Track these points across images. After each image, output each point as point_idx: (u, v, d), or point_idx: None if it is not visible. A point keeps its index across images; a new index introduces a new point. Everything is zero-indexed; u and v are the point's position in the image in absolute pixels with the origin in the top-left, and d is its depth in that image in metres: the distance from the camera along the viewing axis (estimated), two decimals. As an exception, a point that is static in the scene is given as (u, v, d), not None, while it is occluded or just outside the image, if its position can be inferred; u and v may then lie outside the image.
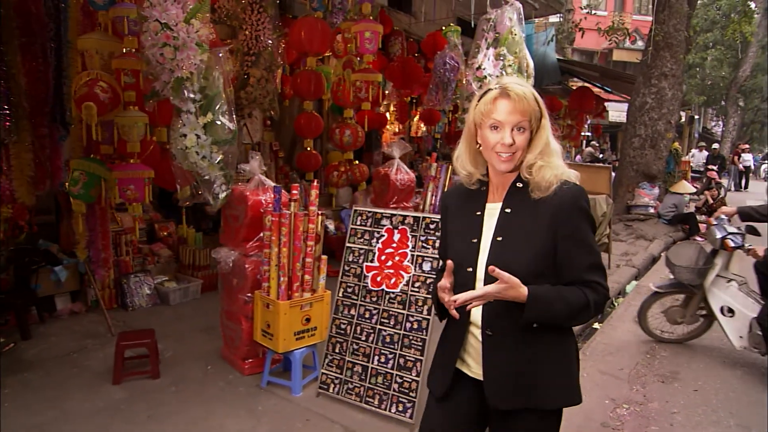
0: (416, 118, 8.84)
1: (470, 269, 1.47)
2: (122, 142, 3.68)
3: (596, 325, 4.80)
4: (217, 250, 3.39)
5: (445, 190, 1.67)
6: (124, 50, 3.52)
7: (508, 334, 1.45)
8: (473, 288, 1.45)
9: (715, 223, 3.91)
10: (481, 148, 1.49)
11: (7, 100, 4.02)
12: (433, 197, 4.98)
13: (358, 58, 5.14)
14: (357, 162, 6.05)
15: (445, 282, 1.44)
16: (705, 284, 3.89)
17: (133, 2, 3.47)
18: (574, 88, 11.65)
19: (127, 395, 3.10)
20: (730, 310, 3.80)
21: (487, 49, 3.52)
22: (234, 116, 3.28)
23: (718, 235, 3.79)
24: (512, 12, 3.50)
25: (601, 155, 18.62)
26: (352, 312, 3.10)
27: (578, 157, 16.78)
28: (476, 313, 1.48)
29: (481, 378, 1.50)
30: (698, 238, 7.91)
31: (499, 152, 1.42)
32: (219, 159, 3.27)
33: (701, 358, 3.85)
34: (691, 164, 15.47)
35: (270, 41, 5.64)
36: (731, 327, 3.77)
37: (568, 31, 14.38)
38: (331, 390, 3.08)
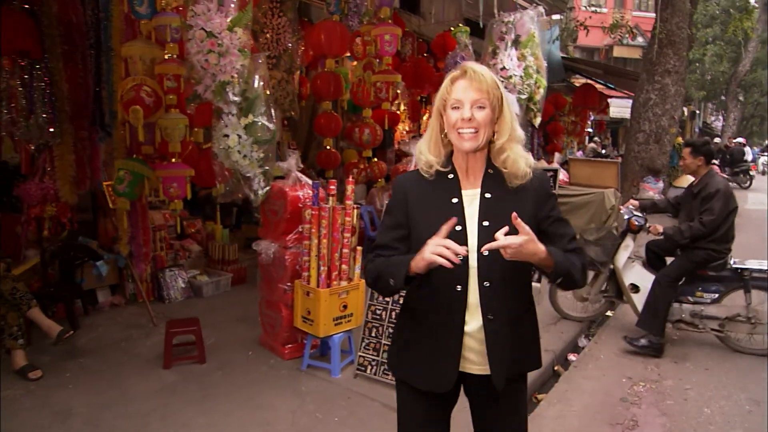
0: (426, 117, 9.05)
1: (460, 258, 1.42)
2: (164, 143, 3.90)
3: (609, 313, 5.02)
4: (257, 243, 3.62)
5: (398, 176, 1.68)
6: (166, 56, 3.73)
7: (507, 317, 1.49)
8: (464, 277, 1.45)
9: (623, 209, 4.45)
10: (447, 134, 1.50)
11: (52, 106, 4.25)
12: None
13: (377, 60, 5.36)
14: (376, 159, 6.28)
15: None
16: (616, 263, 4.32)
17: (175, 12, 3.69)
18: (578, 85, 11.87)
19: (178, 378, 3.34)
20: (635, 287, 4.22)
21: (506, 50, 3.74)
22: (273, 117, 3.50)
23: (626, 217, 4.30)
24: (535, 16, 3.72)
25: (603, 150, 18.83)
26: (387, 299, 3.33)
27: (580, 152, 17.00)
28: (473, 303, 1.47)
29: (478, 372, 1.51)
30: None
31: (461, 130, 1.44)
32: (259, 157, 3.50)
33: (711, 342, 4.07)
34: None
35: (290, 44, 5.88)
36: (638, 302, 4.14)
37: (572, 29, 14.59)
38: (368, 371, 3.31)
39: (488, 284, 1.45)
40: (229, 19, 3.24)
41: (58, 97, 4.28)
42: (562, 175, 7.53)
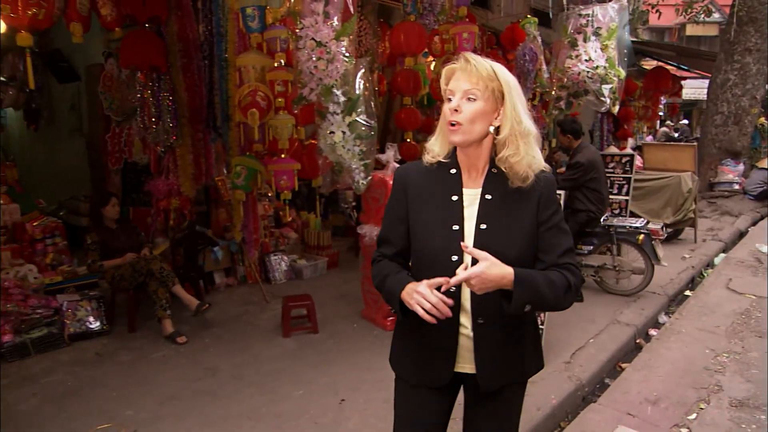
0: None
1: (455, 258, 1.41)
2: (273, 141, 4.42)
3: (687, 292, 5.15)
4: (361, 227, 4.07)
5: (399, 167, 1.62)
6: (276, 64, 4.24)
7: (499, 322, 1.44)
8: None
9: None
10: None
11: (174, 112, 4.89)
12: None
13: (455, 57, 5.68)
14: (452, 150, 6.61)
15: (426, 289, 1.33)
16: None
17: (283, 25, 4.19)
18: (649, 68, 11.62)
19: (297, 345, 3.85)
20: None
21: (588, 41, 3.95)
22: (373, 115, 3.93)
23: None
24: (618, 8, 3.90)
25: (676, 134, 18.17)
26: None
27: (650, 137, 16.51)
28: (465, 303, 1.45)
29: (468, 371, 1.50)
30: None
31: (449, 120, 1.37)
32: (361, 151, 3.94)
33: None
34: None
35: (370, 45, 6.32)
36: None
37: (641, 12, 14.22)
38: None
39: (478, 283, 1.37)
40: (335, 30, 3.68)
41: (179, 104, 4.92)
42: (637, 161, 7.55)
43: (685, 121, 18.58)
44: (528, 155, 1.38)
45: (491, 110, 1.37)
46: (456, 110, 1.35)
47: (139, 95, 4.81)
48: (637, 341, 4.05)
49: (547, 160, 8.30)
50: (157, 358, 3.63)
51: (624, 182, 5.46)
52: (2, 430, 2.75)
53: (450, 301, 1.31)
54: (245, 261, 5.15)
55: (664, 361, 3.58)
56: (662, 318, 4.54)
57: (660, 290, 4.90)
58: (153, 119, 4.81)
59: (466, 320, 1.45)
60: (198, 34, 4.90)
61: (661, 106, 13.22)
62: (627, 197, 5.42)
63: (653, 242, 4.50)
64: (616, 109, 4.58)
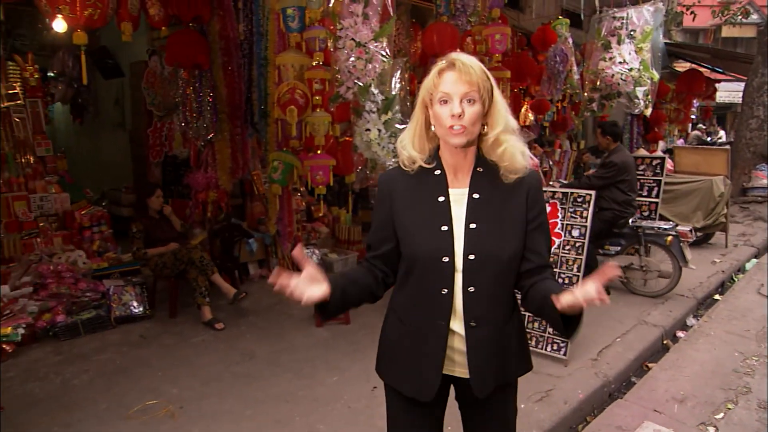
0: (524, 108, 9.29)
1: (446, 259, 1.39)
2: (310, 137, 4.57)
3: (717, 296, 5.14)
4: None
5: (383, 172, 1.67)
6: (314, 63, 4.38)
7: (491, 324, 1.43)
8: (450, 280, 1.40)
9: None
10: (434, 129, 1.42)
11: (214, 108, 5.08)
12: (556, 180, 5.54)
13: (488, 58, 5.75)
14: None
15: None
16: None
17: (321, 25, 4.33)
18: (681, 70, 11.46)
19: (330, 335, 3.99)
20: None
21: (622, 44, 4.00)
22: (409, 114, 4.04)
23: None
24: (654, 10, 3.94)
25: (708, 138, 17.81)
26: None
27: (681, 140, 16.23)
28: (458, 307, 1.42)
29: (459, 375, 1.48)
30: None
31: (451, 125, 1.34)
32: (395, 149, 4.06)
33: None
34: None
35: (403, 45, 6.43)
36: None
37: (676, 13, 14.01)
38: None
39: (473, 289, 1.40)
40: (374, 31, 3.81)
41: (218, 100, 5.12)
42: (667, 164, 7.50)
43: (722, 134, 18.18)
44: (519, 147, 1.40)
45: (484, 110, 1.38)
46: (460, 115, 1.33)
47: (181, 91, 5.03)
48: (665, 342, 4.07)
49: (576, 161, 8.32)
50: (197, 342, 3.82)
51: (654, 185, 5.46)
52: (60, 402, 2.95)
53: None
54: (279, 253, 5.32)
55: (691, 362, 3.62)
56: (690, 321, 4.54)
57: (689, 293, 4.90)
58: (194, 114, 5.02)
59: (457, 325, 1.43)
60: (238, 33, 5.09)
61: (693, 109, 13.03)
62: (657, 200, 5.42)
63: (681, 244, 4.52)
64: (648, 111, 4.61)
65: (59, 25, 3.62)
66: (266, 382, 3.23)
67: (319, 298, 1.38)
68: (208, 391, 3.12)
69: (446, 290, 1.40)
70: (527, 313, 3.65)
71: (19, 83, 4.77)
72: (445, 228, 1.40)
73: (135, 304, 4.20)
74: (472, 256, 1.38)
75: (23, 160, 4.76)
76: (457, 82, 1.33)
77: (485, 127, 1.39)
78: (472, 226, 1.40)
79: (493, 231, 1.39)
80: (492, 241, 1.39)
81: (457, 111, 1.32)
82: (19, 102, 4.74)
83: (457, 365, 1.47)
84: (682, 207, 6.66)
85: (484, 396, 1.46)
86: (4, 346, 3.29)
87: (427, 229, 1.41)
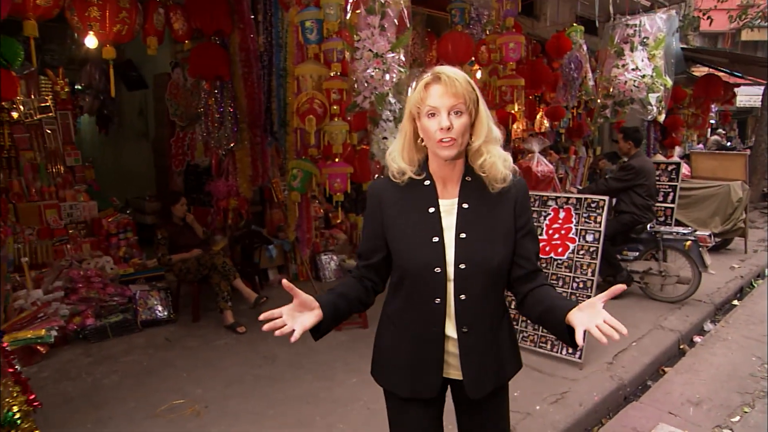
0: (539, 115, 9.34)
1: (438, 270, 1.43)
2: (328, 146, 4.69)
3: (735, 302, 5.12)
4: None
5: (373, 182, 1.67)
6: (332, 74, 4.51)
7: (482, 330, 1.48)
8: (442, 290, 1.44)
9: None
10: (422, 142, 1.45)
11: (235, 118, 5.24)
12: (572, 186, 5.58)
13: (502, 66, 5.84)
14: (497, 156, 6.76)
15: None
16: None
17: (339, 37, 4.45)
18: (699, 75, 11.40)
19: (348, 338, 4.08)
20: None
21: (635, 51, 4.05)
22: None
23: None
24: (666, 18, 3.99)
25: (728, 143, 17.60)
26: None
27: (701, 145, 16.06)
28: (450, 312, 1.47)
29: (454, 377, 1.53)
30: None
31: (441, 138, 1.36)
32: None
33: None
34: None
35: (418, 54, 6.55)
36: None
37: (692, 18, 13.94)
38: (507, 338, 3.83)
39: (464, 297, 1.44)
40: (390, 42, 3.92)
41: (239, 110, 5.27)
42: (684, 169, 7.48)
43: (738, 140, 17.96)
44: (500, 156, 1.43)
45: (471, 121, 1.41)
46: (449, 128, 1.35)
47: (203, 102, 5.20)
48: (681, 347, 4.09)
49: (592, 167, 8.33)
50: (220, 345, 3.94)
51: (669, 190, 5.48)
52: (91, 401, 3.09)
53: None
54: (298, 259, 5.44)
55: (708, 366, 3.63)
56: (708, 326, 4.54)
57: (706, 299, 4.89)
58: (216, 124, 5.18)
59: (451, 330, 1.47)
60: (258, 45, 5.25)
61: (712, 114, 12.92)
62: (672, 205, 5.43)
63: (700, 249, 4.53)
64: (662, 117, 4.64)
65: (91, 41, 3.80)
66: (287, 384, 3.33)
67: (312, 324, 1.45)
68: (231, 391, 3.23)
69: (439, 299, 1.44)
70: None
71: (50, 96, 4.98)
72: (436, 239, 1.43)
73: (160, 308, 4.34)
74: (462, 266, 1.42)
75: (54, 170, 4.96)
76: (443, 96, 1.36)
77: (471, 136, 1.42)
78: (462, 235, 1.43)
79: (482, 240, 1.43)
80: (481, 249, 1.43)
81: (445, 124, 1.35)
82: (50, 114, 4.95)
83: (452, 368, 1.52)
84: (700, 212, 6.64)
85: (478, 397, 1.51)
86: (38, 347, 3.44)
87: (419, 240, 1.44)
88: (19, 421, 2.23)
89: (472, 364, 1.48)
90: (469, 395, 1.50)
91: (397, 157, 1.48)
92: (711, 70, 11.37)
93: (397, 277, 1.53)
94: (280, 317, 1.44)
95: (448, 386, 1.60)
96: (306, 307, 1.46)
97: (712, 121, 16.62)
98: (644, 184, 4.70)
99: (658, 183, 5.56)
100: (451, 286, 1.44)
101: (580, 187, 5.89)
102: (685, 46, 12.09)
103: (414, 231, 1.45)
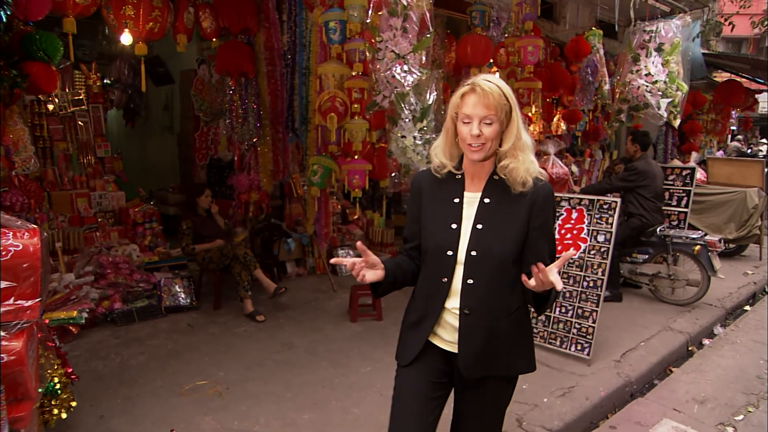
0: (556, 118, 9.40)
1: (450, 253, 1.59)
2: (348, 143, 4.83)
3: (746, 307, 5.16)
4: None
5: (416, 173, 1.88)
6: (354, 73, 4.65)
7: (485, 314, 1.59)
8: (450, 271, 1.60)
9: None
10: (458, 140, 1.60)
11: (258, 114, 5.41)
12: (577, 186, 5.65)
13: (520, 69, 5.93)
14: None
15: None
16: None
17: (361, 38, 4.59)
18: (720, 81, 11.32)
19: (363, 329, 4.22)
20: None
21: (650, 57, 4.12)
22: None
23: None
24: (680, 24, 4.06)
25: (749, 150, 17.39)
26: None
27: (721, 152, 15.91)
28: (455, 293, 1.61)
29: (451, 350, 1.65)
30: None
31: (470, 143, 1.53)
32: (428, 155, 4.28)
33: None
34: None
35: (437, 55, 6.65)
36: None
37: (714, 23, 13.82)
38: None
39: (471, 282, 1.58)
40: (412, 44, 4.04)
41: (262, 107, 5.44)
42: (699, 174, 7.49)
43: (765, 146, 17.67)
44: (525, 162, 1.55)
45: (502, 128, 1.55)
46: (479, 136, 1.51)
47: (227, 98, 5.37)
48: (690, 348, 4.15)
49: (607, 171, 8.36)
50: (240, 333, 4.10)
51: (683, 194, 5.52)
52: (120, 378, 3.27)
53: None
54: (315, 253, 5.59)
55: (715, 367, 3.70)
56: (717, 329, 4.59)
57: (717, 303, 4.94)
58: (239, 120, 5.36)
59: (453, 307, 1.62)
60: (282, 44, 5.41)
61: (732, 120, 12.81)
62: (686, 210, 5.48)
63: (710, 254, 4.58)
64: (676, 123, 4.70)
65: (126, 37, 3.98)
66: (304, 369, 3.48)
67: (375, 279, 1.60)
68: (251, 375, 3.39)
69: (446, 279, 1.60)
70: (550, 314, 3.81)
71: (83, 90, 5.19)
72: (454, 226, 1.60)
73: (183, 295, 4.52)
74: (473, 252, 1.56)
75: (85, 161, 5.18)
76: (477, 106, 1.51)
77: (501, 141, 1.57)
78: (479, 226, 1.58)
79: (495, 231, 1.57)
80: (493, 239, 1.57)
81: (475, 132, 1.51)
82: (83, 107, 5.16)
83: (449, 343, 1.65)
84: (714, 218, 6.66)
85: (470, 378, 1.63)
86: (70, 327, 3.63)
87: (440, 225, 1.62)
88: (59, 392, 2.41)
89: (469, 345, 1.60)
90: (461, 371, 1.62)
91: (439, 153, 1.66)
92: (732, 75, 11.29)
93: (423, 258, 1.70)
94: (349, 264, 1.57)
95: (441, 358, 1.70)
96: (372, 267, 1.60)
97: (733, 128, 16.48)
98: (648, 186, 4.78)
99: (671, 187, 5.61)
100: (460, 270, 1.59)
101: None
102: (706, 51, 12.02)
103: (438, 217, 1.61)
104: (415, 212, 1.71)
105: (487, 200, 1.59)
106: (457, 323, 1.61)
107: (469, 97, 1.53)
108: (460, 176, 1.64)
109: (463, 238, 1.59)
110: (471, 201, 1.61)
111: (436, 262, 1.61)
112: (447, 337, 1.65)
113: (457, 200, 1.62)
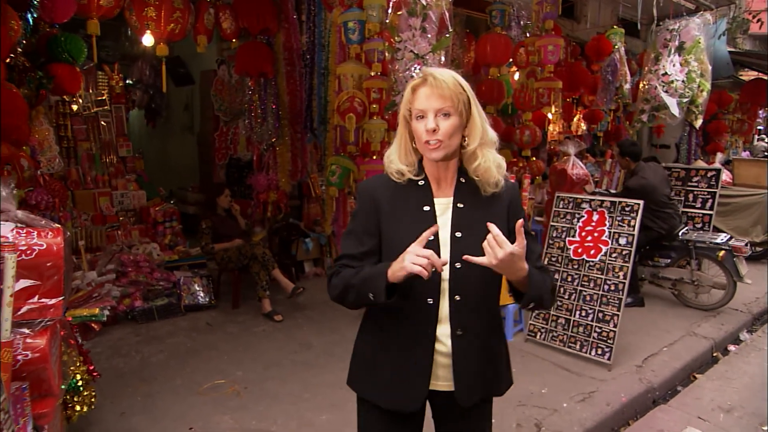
0: (576, 118, 9.27)
1: (433, 268, 1.33)
2: (366, 143, 4.82)
3: None
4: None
5: (365, 181, 1.59)
6: (372, 73, 4.64)
7: (479, 332, 1.44)
8: (436, 290, 1.39)
9: None
10: (415, 143, 1.43)
11: (277, 114, 5.43)
12: (608, 189, 5.56)
13: (540, 68, 5.86)
14: (534, 158, 6.77)
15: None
16: None
17: (380, 38, 4.58)
18: (746, 79, 11.06)
19: (380, 330, 4.21)
20: None
21: (669, 56, 4.04)
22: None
23: None
24: (702, 23, 3.98)
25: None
26: (556, 276, 3.88)
27: (747, 152, 15.53)
28: (444, 314, 1.42)
29: (443, 389, 1.46)
30: None
31: (427, 140, 1.35)
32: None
33: None
34: None
35: (456, 54, 6.62)
36: None
37: (741, 20, 13.51)
38: (537, 337, 3.89)
39: (459, 298, 1.40)
40: (431, 44, 4.02)
41: (281, 107, 5.47)
42: (725, 176, 7.32)
43: None
44: (495, 160, 1.41)
45: (462, 122, 1.38)
46: (434, 130, 1.34)
47: (247, 98, 5.41)
48: (714, 354, 4.06)
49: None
50: (259, 332, 4.12)
51: (708, 196, 5.39)
52: (140, 376, 3.31)
53: (439, 264, 1.27)
54: (333, 253, 5.60)
55: (741, 374, 3.61)
56: (744, 335, 4.48)
57: (743, 308, 4.82)
58: (258, 120, 5.39)
59: (443, 333, 1.42)
60: (301, 44, 5.43)
61: (759, 120, 12.51)
62: (711, 212, 5.35)
63: (735, 259, 4.46)
64: (698, 123, 4.59)
65: (148, 39, 4.03)
66: (322, 369, 3.48)
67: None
68: (269, 374, 3.40)
69: (432, 300, 1.40)
70: (570, 318, 3.75)
71: (106, 90, 5.28)
72: (431, 238, 1.35)
73: (202, 294, 4.57)
74: (458, 265, 1.37)
75: (107, 160, 5.26)
76: (430, 98, 1.34)
77: (466, 139, 1.40)
78: (458, 234, 1.41)
79: (477, 239, 1.32)
80: (477, 249, 1.32)
81: (431, 126, 1.33)
82: (106, 107, 5.25)
83: (441, 379, 1.45)
84: (740, 220, 6.51)
85: (468, 405, 1.46)
86: (92, 324, 3.69)
87: (413, 238, 1.31)
88: (81, 388, 2.44)
89: (466, 369, 1.43)
90: (459, 403, 1.45)
91: (395, 159, 1.47)
92: (760, 74, 11.03)
93: None
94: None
95: (429, 401, 1.54)
96: None
97: (760, 127, 16.09)
98: (650, 199, 4.49)
99: (696, 189, 5.48)
100: (445, 286, 1.40)
101: (613, 191, 5.83)
102: (732, 49, 11.75)
103: (410, 229, 1.37)
104: (370, 226, 1.45)
105: (460, 205, 1.43)
106: (448, 350, 1.42)
107: (421, 90, 1.36)
108: (423, 182, 1.45)
109: (443, 250, 1.39)
110: (443, 207, 1.44)
111: (417, 279, 1.28)
112: (440, 372, 1.44)
113: (427, 208, 1.42)
